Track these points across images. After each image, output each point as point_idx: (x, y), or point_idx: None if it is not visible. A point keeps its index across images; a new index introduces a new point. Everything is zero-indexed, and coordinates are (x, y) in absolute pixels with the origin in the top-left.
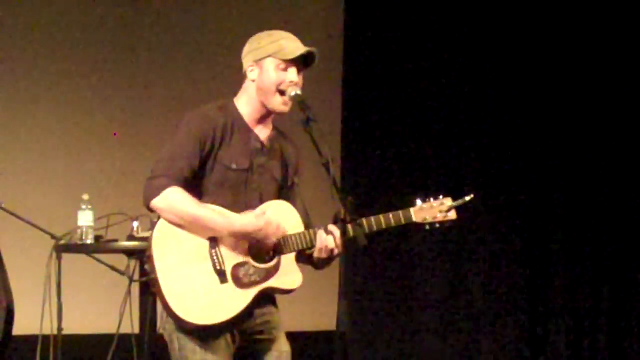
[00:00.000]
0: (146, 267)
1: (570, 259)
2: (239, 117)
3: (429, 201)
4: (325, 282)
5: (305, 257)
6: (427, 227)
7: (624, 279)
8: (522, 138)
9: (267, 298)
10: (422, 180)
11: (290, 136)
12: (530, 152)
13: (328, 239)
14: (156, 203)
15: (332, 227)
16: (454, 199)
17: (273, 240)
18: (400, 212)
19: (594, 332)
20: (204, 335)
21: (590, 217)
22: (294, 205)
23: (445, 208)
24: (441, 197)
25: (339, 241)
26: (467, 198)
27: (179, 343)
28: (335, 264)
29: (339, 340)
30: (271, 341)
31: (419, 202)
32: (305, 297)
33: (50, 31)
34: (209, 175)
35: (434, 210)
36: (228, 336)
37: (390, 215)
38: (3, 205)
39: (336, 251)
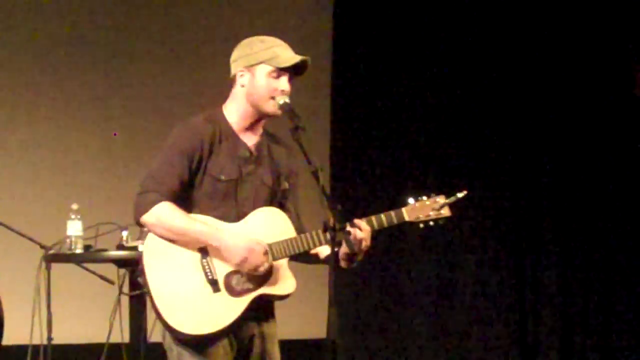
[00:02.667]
0: (139, 280)
1: (561, 261)
2: (226, 126)
3: (421, 199)
4: (314, 289)
5: (316, 258)
6: (421, 226)
7: (615, 281)
8: (512, 141)
9: (264, 308)
10: (411, 187)
11: (283, 139)
12: (519, 155)
13: (356, 232)
14: (146, 218)
15: (357, 221)
16: (447, 197)
17: (259, 269)
18: (392, 212)
19: (585, 334)
20: (201, 344)
21: (581, 219)
22: (286, 209)
23: (437, 205)
24: (433, 194)
25: (366, 234)
26: (460, 195)
27: (178, 353)
28: (325, 271)
29: (329, 348)
30: (265, 352)
31: (411, 200)
32: (295, 305)
33: (42, 42)
34: (198, 187)
35: (426, 208)
36: (225, 343)
37: (382, 216)
38: None
39: (364, 243)
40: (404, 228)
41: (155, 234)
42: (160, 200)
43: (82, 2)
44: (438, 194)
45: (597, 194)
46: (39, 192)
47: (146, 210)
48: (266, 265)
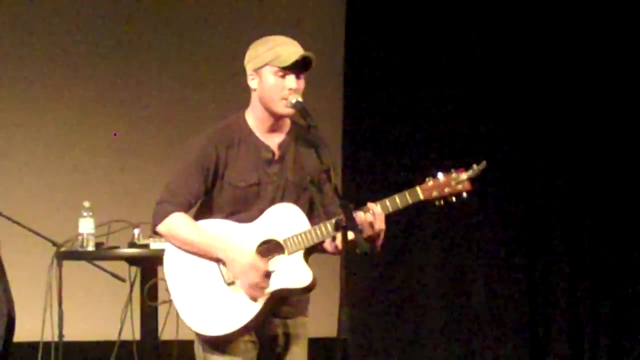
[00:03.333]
0: (167, 290)
1: (571, 263)
2: (247, 131)
3: (436, 177)
4: (326, 288)
5: (332, 248)
6: (437, 203)
7: (625, 282)
8: (523, 142)
9: (295, 306)
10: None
11: (315, 133)
12: (530, 154)
13: (367, 215)
14: (160, 229)
15: (370, 204)
16: (464, 170)
17: (254, 283)
18: (406, 192)
19: (595, 335)
20: (223, 343)
21: (591, 220)
22: (315, 206)
23: (454, 181)
24: (452, 170)
25: (378, 217)
26: (477, 167)
27: (203, 351)
28: (336, 270)
29: (340, 347)
30: (288, 352)
31: (427, 180)
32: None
33: (52, 39)
34: (219, 194)
35: (442, 185)
36: (247, 342)
37: (397, 197)
38: (4, 212)
39: (377, 226)
40: (417, 224)
41: (170, 243)
42: (174, 212)
43: (89, 4)
44: (456, 169)
45: (608, 197)
46: (51, 189)
47: (161, 221)
48: (264, 283)
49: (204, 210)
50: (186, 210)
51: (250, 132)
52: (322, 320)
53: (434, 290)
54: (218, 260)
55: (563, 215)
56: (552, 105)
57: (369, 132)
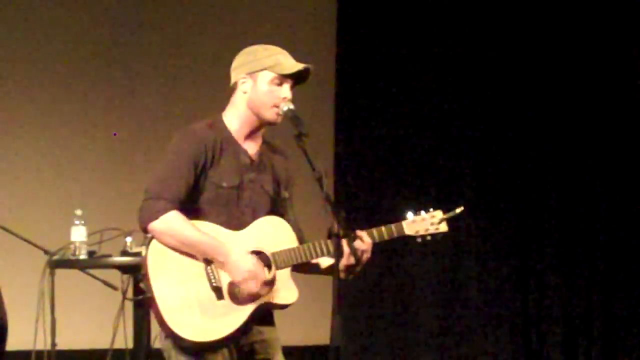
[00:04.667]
0: (142, 285)
1: (565, 269)
2: (227, 134)
3: (420, 214)
4: (318, 296)
5: (316, 268)
6: (419, 240)
7: (617, 285)
8: (515, 145)
9: (265, 315)
10: (414, 193)
11: (281, 148)
12: (521, 161)
13: (357, 243)
14: (154, 226)
15: (359, 233)
16: (445, 212)
17: (255, 292)
18: (393, 225)
19: (589, 342)
20: (202, 351)
21: (584, 224)
22: (286, 218)
23: (436, 220)
24: (431, 209)
25: (367, 246)
26: (458, 210)
27: (176, 355)
28: (329, 277)
29: (333, 354)
30: (267, 358)
31: (410, 215)
32: (299, 311)
33: (45, 47)
34: (200, 193)
35: (425, 222)
36: (225, 352)
37: (383, 229)
38: None
39: (365, 255)
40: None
41: (161, 241)
42: (169, 209)
43: (84, 6)
44: (436, 208)
45: (600, 201)
46: (43, 197)
47: (155, 218)
48: (262, 292)
49: (182, 210)
50: (178, 207)
51: (231, 135)
52: (315, 327)
53: (428, 297)
54: (209, 262)
55: (556, 221)
56: (544, 107)
57: (360, 142)
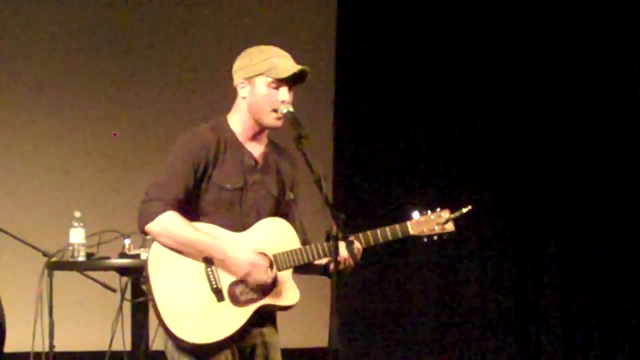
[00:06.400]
0: (143, 287)
1: (563, 268)
2: (231, 135)
3: (426, 214)
4: (317, 298)
5: (316, 269)
6: (425, 240)
7: (617, 286)
8: (515, 147)
9: (266, 317)
10: (415, 195)
11: (286, 150)
12: (521, 161)
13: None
14: (151, 227)
15: (352, 237)
16: (451, 211)
17: (263, 280)
18: (397, 226)
19: (587, 345)
20: (203, 353)
21: (583, 224)
22: (291, 220)
23: (442, 220)
24: (438, 209)
25: (358, 252)
26: (465, 210)
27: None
28: (327, 280)
29: (332, 357)
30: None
31: (415, 214)
32: (297, 314)
33: (45, 50)
34: (204, 195)
35: (431, 222)
36: (227, 353)
37: (387, 229)
38: None
39: (356, 258)
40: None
41: (159, 242)
42: (166, 209)
43: (85, 9)
44: (443, 208)
45: (600, 201)
46: (42, 199)
47: (151, 219)
48: (270, 279)
49: (184, 214)
50: (176, 208)
51: (235, 138)
52: (313, 330)
53: (426, 299)
54: (210, 264)
55: (556, 222)
56: (543, 108)
57: (360, 145)
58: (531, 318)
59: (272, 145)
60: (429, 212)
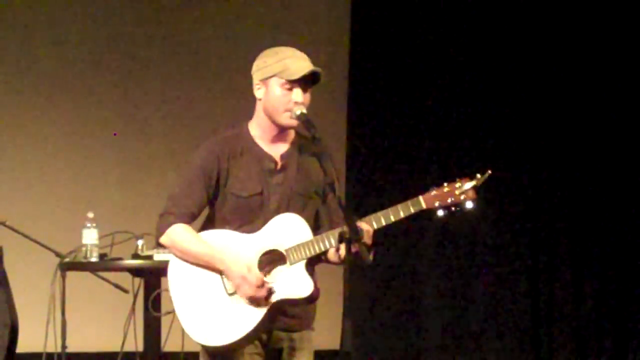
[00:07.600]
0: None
1: (575, 269)
2: (250, 141)
3: (441, 185)
4: (329, 300)
5: (336, 258)
6: (441, 213)
7: (629, 287)
8: (526, 145)
9: (297, 316)
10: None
11: (318, 144)
12: (532, 159)
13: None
14: (163, 241)
15: (362, 222)
16: (469, 179)
17: (250, 295)
18: (409, 201)
19: (599, 347)
20: (227, 353)
21: (596, 223)
22: (319, 216)
23: (458, 190)
24: (456, 179)
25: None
26: (480, 176)
27: None
28: (339, 282)
29: (344, 359)
30: None
31: (431, 189)
32: None
33: (61, 52)
34: (222, 204)
35: (448, 193)
36: (253, 353)
37: (398, 206)
38: (7, 223)
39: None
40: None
41: (173, 255)
42: (175, 223)
43: (98, 14)
44: (460, 178)
45: (613, 202)
46: (55, 200)
47: (162, 233)
48: (262, 293)
49: (209, 222)
50: (189, 221)
51: (254, 142)
52: (325, 332)
53: (437, 301)
54: (220, 271)
55: (568, 221)
56: (555, 107)
57: (373, 143)
58: (542, 319)
59: (302, 141)
60: (445, 184)
